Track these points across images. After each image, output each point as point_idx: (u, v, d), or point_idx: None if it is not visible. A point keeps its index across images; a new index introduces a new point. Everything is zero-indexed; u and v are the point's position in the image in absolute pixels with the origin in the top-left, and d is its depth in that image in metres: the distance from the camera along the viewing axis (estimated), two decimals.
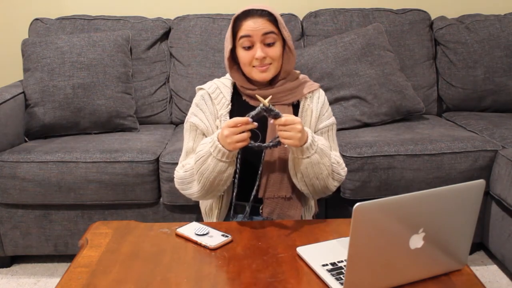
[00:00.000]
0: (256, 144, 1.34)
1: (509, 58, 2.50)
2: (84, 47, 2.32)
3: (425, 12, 2.63)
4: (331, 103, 2.32)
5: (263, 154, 1.43)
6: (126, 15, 2.62)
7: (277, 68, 1.46)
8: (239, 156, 1.39)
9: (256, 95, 1.30)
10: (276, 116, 1.28)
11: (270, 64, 1.43)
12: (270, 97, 1.31)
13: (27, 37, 2.56)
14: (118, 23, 2.54)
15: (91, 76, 2.28)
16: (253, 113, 1.27)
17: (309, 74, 2.35)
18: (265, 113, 1.28)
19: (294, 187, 1.47)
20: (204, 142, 1.39)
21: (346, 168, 1.53)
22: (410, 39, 2.56)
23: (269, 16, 1.42)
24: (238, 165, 1.40)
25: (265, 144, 1.36)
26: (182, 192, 1.50)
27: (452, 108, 2.63)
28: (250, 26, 1.40)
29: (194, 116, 1.50)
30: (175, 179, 1.50)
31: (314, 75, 2.35)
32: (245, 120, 1.27)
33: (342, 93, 2.32)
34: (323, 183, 1.42)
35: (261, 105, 1.26)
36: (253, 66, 1.43)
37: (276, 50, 1.43)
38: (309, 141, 1.33)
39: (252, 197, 1.42)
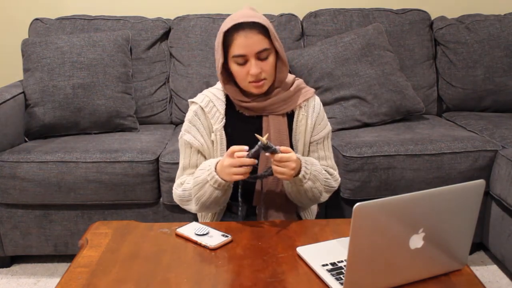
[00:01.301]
0: (252, 176, 1.35)
1: (509, 58, 2.50)
2: (84, 47, 2.32)
3: (425, 12, 2.63)
4: (331, 103, 2.33)
5: (258, 162, 1.45)
6: (126, 15, 2.62)
7: (271, 79, 1.44)
8: None
9: (256, 135, 1.28)
10: (274, 152, 1.30)
11: (265, 79, 1.40)
12: (267, 135, 1.34)
13: (27, 37, 2.56)
14: (118, 23, 2.54)
15: (91, 76, 2.28)
16: (252, 150, 1.29)
17: (309, 74, 2.35)
18: (263, 151, 1.29)
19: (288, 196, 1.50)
20: (202, 167, 1.40)
21: (339, 179, 1.56)
22: (410, 39, 2.56)
23: (261, 28, 1.36)
24: None
25: (259, 175, 1.39)
26: (180, 206, 1.52)
27: (452, 108, 2.63)
28: (242, 42, 1.34)
29: (187, 134, 1.48)
30: (173, 195, 1.51)
31: (314, 75, 2.35)
32: (243, 149, 1.29)
33: (342, 93, 2.32)
34: (315, 200, 1.48)
35: (259, 143, 1.28)
36: (249, 82, 1.40)
37: (270, 63, 1.39)
38: (302, 172, 1.37)
39: (240, 197, 1.42)
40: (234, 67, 1.40)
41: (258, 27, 1.36)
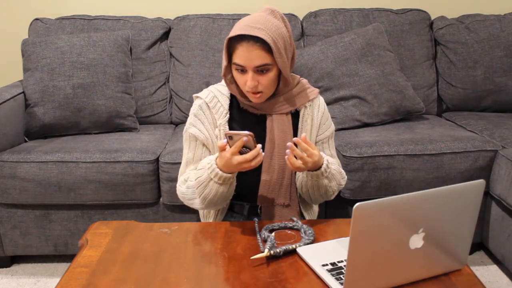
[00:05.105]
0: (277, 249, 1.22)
1: (509, 58, 2.50)
2: (84, 47, 2.32)
3: (425, 12, 2.63)
4: (331, 103, 2.33)
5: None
6: (126, 15, 2.62)
7: (270, 92, 1.42)
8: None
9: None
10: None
11: (262, 92, 1.38)
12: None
13: (27, 37, 2.56)
14: (118, 23, 2.54)
15: (91, 76, 2.28)
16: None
17: (309, 74, 2.35)
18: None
19: (292, 195, 1.49)
20: (201, 167, 1.37)
21: (346, 177, 1.57)
22: (410, 39, 2.56)
23: (264, 45, 1.31)
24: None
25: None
26: (184, 203, 1.51)
27: (452, 108, 2.63)
28: (243, 54, 1.32)
29: (192, 127, 1.48)
30: (177, 192, 1.50)
31: (314, 75, 2.35)
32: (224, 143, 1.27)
33: (342, 93, 2.32)
34: (325, 197, 1.49)
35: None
36: (247, 91, 1.39)
37: (268, 78, 1.36)
38: (322, 169, 1.37)
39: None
40: (234, 72, 1.40)
41: (262, 42, 1.31)
